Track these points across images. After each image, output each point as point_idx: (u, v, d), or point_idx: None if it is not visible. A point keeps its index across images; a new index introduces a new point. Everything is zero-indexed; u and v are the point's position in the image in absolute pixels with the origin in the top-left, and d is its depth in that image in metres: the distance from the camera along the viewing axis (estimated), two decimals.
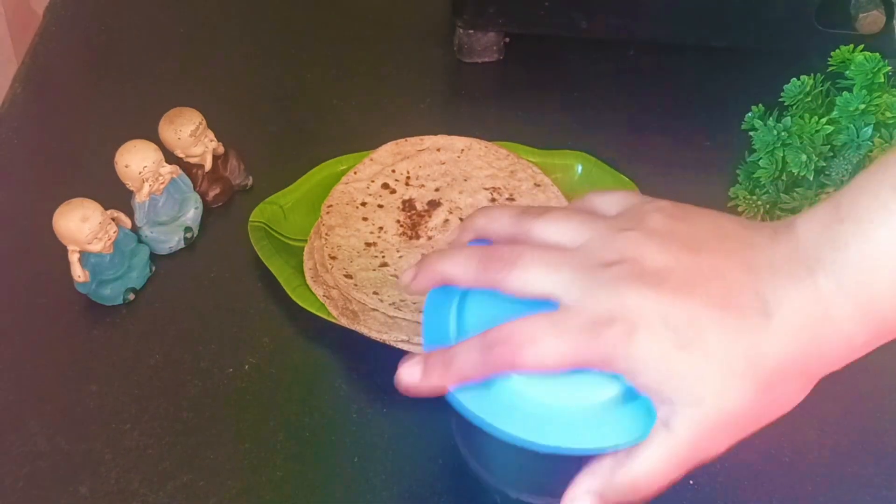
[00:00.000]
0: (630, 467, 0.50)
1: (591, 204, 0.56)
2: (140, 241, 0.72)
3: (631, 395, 0.51)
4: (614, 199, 0.56)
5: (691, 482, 0.62)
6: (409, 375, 0.53)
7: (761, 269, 0.49)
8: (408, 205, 0.72)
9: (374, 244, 0.70)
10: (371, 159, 0.75)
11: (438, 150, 0.75)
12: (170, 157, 0.73)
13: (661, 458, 0.49)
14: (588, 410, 0.52)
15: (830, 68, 0.71)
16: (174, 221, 0.73)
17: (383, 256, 0.69)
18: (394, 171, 0.74)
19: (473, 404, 0.52)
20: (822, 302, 0.48)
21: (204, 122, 0.74)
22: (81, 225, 0.67)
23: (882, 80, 0.68)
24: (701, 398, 0.48)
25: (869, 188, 0.48)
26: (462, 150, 0.75)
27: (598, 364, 0.50)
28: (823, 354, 0.49)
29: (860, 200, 0.48)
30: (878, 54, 0.69)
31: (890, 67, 0.69)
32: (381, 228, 0.71)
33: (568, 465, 0.55)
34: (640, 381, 0.49)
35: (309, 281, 0.68)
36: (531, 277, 0.52)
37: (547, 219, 0.55)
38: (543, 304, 0.52)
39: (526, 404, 0.52)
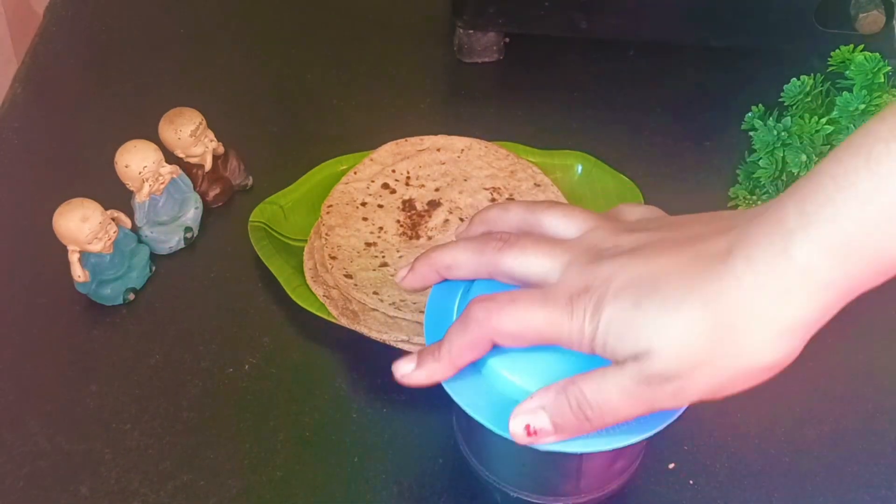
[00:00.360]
0: (583, 391, 0.49)
1: (616, 211, 0.56)
2: (140, 241, 0.72)
3: None
4: (640, 210, 0.56)
5: (691, 482, 0.62)
6: (405, 365, 0.54)
7: (738, 225, 0.48)
8: (408, 205, 0.72)
9: (375, 244, 0.70)
10: (371, 159, 0.75)
11: (438, 150, 0.75)
12: (170, 157, 0.73)
13: (612, 390, 0.49)
14: None
15: (830, 68, 0.71)
16: (174, 221, 0.73)
17: (383, 256, 0.69)
18: (394, 171, 0.74)
19: (473, 404, 0.52)
20: (785, 236, 0.46)
21: (204, 122, 0.74)
22: (81, 225, 0.67)
23: (882, 80, 0.68)
24: (650, 345, 0.47)
25: (851, 143, 0.46)
26: (462, 150, 0.75)
27: (575, 339, 0.50)
28: (786, 293, 0.46)
29: (842, 153, 0.46)
30: (878, 54, 0.69)
31: (890, 67, 0.69)
32: (381, 228, 0.71)
33: (569, 464, 0.56)
34: (609, 347, 0.49)
35: (309, 281, 0.68)
36: (527, 259, 0.53)
37: (555, 211, 0.55)
38: None
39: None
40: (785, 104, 0.72)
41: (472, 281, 0.56)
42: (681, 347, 0.47)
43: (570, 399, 0.49)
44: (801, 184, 0.47)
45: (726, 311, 0.47)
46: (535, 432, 0.50)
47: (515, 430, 0.50)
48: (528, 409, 0.50)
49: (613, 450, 0.52)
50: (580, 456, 0.55)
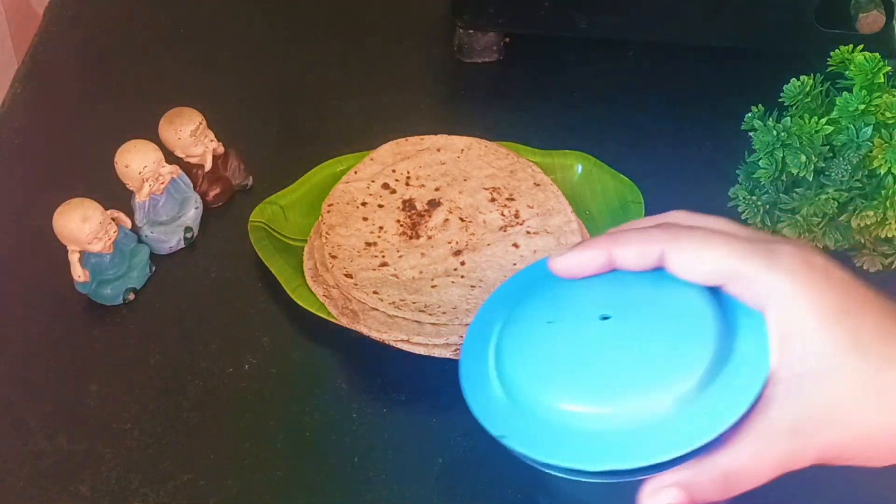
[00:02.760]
0: (719, 459, 0.49)
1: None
2: (140, 241, 0.72)
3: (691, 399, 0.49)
4: None
5: None
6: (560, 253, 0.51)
7: None
8: (408, 204, 0.72)
9: (375, 244, 0.70)
10: (371, 159, 0.75)
11: (438, 150, 0.75)
12: (170, 157, 0.73)
13: (753, 452, 0.49)
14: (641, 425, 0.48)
15: (830, 68, 0.71)
16: (174, 221, 0.73)
17: (383, 256, 0.69)
18: (394, 170, 0.74)
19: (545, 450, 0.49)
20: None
21: (204, 122, 0.74)
22: (81, 225, 0.67)
23: (882, 80, 0.68)
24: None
25: None
26: (462, 150, 0.75)
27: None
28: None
29: None
30: (878, 54, 0.69)
31: (890, 67, 0.69)
32: (381, 228, 0.71)
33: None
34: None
35: (309, 280, 0.68)
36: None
37: None
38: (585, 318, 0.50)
39: (576, 429, 0.48)
40: (785, 104, 0.71)
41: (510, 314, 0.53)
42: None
43: (712, 475, 0.49)
44: None
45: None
46: None
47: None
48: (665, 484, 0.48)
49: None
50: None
